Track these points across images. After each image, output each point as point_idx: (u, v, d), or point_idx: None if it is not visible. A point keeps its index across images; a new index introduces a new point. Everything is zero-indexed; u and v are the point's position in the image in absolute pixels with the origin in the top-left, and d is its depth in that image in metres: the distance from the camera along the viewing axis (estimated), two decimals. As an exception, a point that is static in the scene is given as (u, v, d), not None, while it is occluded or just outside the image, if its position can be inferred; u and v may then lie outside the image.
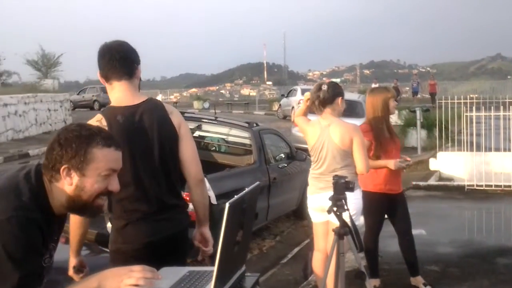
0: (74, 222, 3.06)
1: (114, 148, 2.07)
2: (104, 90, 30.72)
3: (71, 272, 3.21)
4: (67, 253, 3.51)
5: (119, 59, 2.96)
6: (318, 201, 4.60)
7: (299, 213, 8.92)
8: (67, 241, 4.91)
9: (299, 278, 6.21)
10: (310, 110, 4.87)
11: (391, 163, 5.01)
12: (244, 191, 1.97)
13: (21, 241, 1.90)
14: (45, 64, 36.58)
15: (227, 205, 1.77)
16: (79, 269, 3.22)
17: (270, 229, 8.63)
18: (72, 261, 3.21)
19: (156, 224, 2.95)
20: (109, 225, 5.72)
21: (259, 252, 7.59)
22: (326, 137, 4.57)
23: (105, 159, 2.03)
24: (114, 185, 2.10)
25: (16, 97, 20.48)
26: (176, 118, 3.01)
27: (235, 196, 1.90)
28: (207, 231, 3.19)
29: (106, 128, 2.78)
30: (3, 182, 2.04)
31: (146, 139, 2.93)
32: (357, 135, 4.57)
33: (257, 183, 2.14)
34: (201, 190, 3.12)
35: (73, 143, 2.01)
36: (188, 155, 3.03)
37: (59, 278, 3.14)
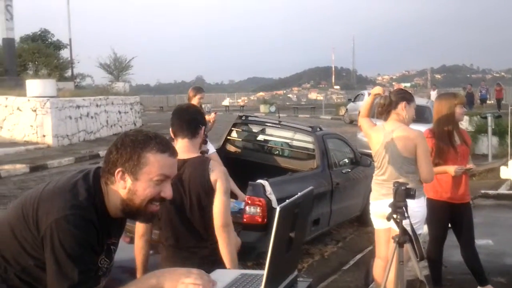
0: (137, 245, 3.47)
1: (168, 154, 2.09)
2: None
3: None
4: (131, 253, 3.59)
5: (186, 121, 3.50)
6: (380, 207, 4.54)
7: (362, 220, 8.79)
8: (131, 241, 5.03)
9: (360, 285, 6.13)
10: (377, 115, 4.81)
11: (451, 169, 4.88)
12: (296, 196, 1.96)
13: (78, 239, 1.96)
14: (117, 68, 37.64)
15: (277, 208, 1.77)
16: None
17: (332, 235, 8.56)
18: None
19: (183, 260, 3.31)
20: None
21: (320, 257, 7.54)
22: (390, 143, 4.51)
23: (158, 164, 2.06)
24: (167, 192, 2.12)
25: (89, 99, 21.16)
26: (215, 175, 3.36)
27: (287, 200, 1.90)
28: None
29: None
30: (63, 182, 2.11)
31: (181, 188, 3.35)
32: (421, 142, 4.48)
33: (311, 187, 2.12)
34: (223, 240, 3.33)
35: (128, 147, 2.06)
36: (215, 207, 3.34)
37: (123, 277, 3.21)
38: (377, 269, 4.81)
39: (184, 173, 3.37)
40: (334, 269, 7.06)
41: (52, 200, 2.01)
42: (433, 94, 30.92)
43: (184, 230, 3.39)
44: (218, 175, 3.37)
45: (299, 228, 2.07)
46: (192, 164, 3.40)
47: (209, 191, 3.36)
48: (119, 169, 2.06)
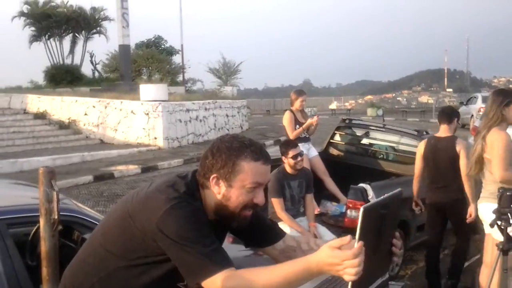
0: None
1: (262, 162, 2.11)
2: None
3: None
4: (231, 252, 3.66)
5: (444, 114, 6.00)
6: (479, 209, 4.74)
7: (470, 227, 8.44)
8: (234, 241, 5.13)
9: (466, 294, 5.92)
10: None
11: None
12: (382, 197, 1.94)
13: (189, 220, 2.00)
14: (225, 72, 38.47)
15: (361, 209, 1.74)
16: None
17: (438, 242, 8.26)
18: None
19: (442, 194, 5.90)
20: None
21: (425, 264, 7.31)
22: (477, 145, 4.67)
23: (252, 172, 2.08)
24: (259, 198, 2.13)
25: (198, 103, 21.74)
26: (458, 147, 5.71)
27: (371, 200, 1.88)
28: (471, 209, 5.63)
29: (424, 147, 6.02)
30: (161, 181, 2.19)
31: (440, 155, 5.83)
32: (495, 142, 4.48)
33: (399, 189, 2.08)
34: (466, 183, 5.59)
35: (224, 153, 2.09)
36: (461, 165, 5.67)
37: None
38: (483, 276, 4.64)
39: (440, 145, 5.83)
40: (439, 276, 6.82)
41: (155, 198, 2.07)
42: None
43: (444, 178, 5.82)
44: (460, 147, 5.67)
45: (387, 230, 2.03)
46: (445, 140, 5.82)
47: (455, 157, 5.67)
48: (214, 175, 2.10)
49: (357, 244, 1.72)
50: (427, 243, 6.58)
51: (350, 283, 1.79)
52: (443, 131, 5.92)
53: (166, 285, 2.17)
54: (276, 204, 5.82)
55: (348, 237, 1.77)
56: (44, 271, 2.60)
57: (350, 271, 1.72)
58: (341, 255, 1.73)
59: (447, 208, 5.92)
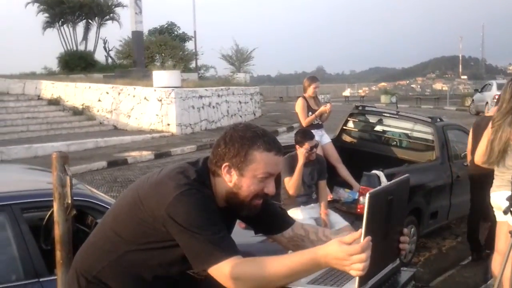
0: None
1: (274, 153, 2.11)
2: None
3: None
4: (244, 238, 3.67)
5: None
6: (494, 199, 4.63)
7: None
8: (246, 227, 5.16)
9: (478, 281, 5.91)
10: None
11: None
12: (389, 182, 1.94)
13: (199, 207, 2.01)
14: (238, 59, 38.46)
15: (367, 195, 1.74)
16: None
17: (451, 229, 8.28)
18: None
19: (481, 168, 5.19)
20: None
21: (438, 251, 7.33)
22: (496, 134, 4.58)
23: (264, 162, 2.09)
24: (270, 188, 2.14)
25: (211, 89, 21.77)
26: None
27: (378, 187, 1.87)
28: None
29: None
30: (172, 167, 2.20)
31: (481, 132, 5.11)
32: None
33: (406, 175, 2.07)
34: None
35: (237, 142, 2.09)
36: None
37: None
38: (495, 264, 4.62)
39: (483, 123, 5.81)
40: (452, 263, 6.83)
41: (166, 184, 2.08)
42: None
43: None
44: None
45: (395, 216, 2.02)
46: (488, 119, 5.18)
47: None
48: (226, 163, 2.11)
49: (365, 239, 1.72)
50: (471, 211, 6.96)
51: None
52: (494, 111, 5.85)
53: (176, 271, 2.18)
54: (287, 181, 5.83)
55: (360, 231, 1.77)
56: (58, 254, 2.63)
57: (357, 266, 1.74)
58: (349, 250, 1.75)
59: (484, 181, 5.76)
